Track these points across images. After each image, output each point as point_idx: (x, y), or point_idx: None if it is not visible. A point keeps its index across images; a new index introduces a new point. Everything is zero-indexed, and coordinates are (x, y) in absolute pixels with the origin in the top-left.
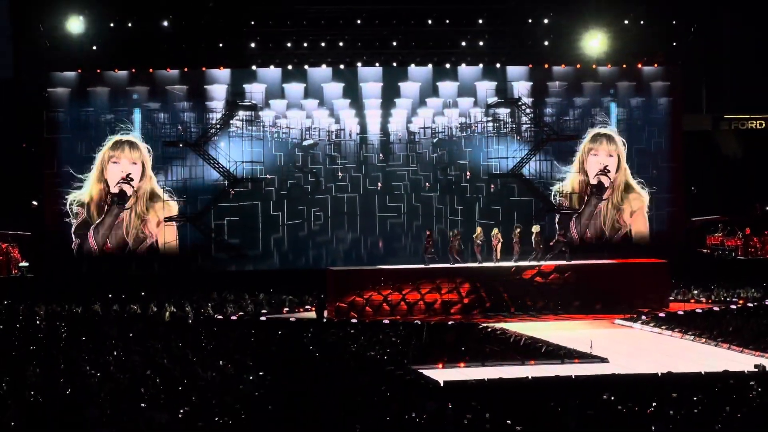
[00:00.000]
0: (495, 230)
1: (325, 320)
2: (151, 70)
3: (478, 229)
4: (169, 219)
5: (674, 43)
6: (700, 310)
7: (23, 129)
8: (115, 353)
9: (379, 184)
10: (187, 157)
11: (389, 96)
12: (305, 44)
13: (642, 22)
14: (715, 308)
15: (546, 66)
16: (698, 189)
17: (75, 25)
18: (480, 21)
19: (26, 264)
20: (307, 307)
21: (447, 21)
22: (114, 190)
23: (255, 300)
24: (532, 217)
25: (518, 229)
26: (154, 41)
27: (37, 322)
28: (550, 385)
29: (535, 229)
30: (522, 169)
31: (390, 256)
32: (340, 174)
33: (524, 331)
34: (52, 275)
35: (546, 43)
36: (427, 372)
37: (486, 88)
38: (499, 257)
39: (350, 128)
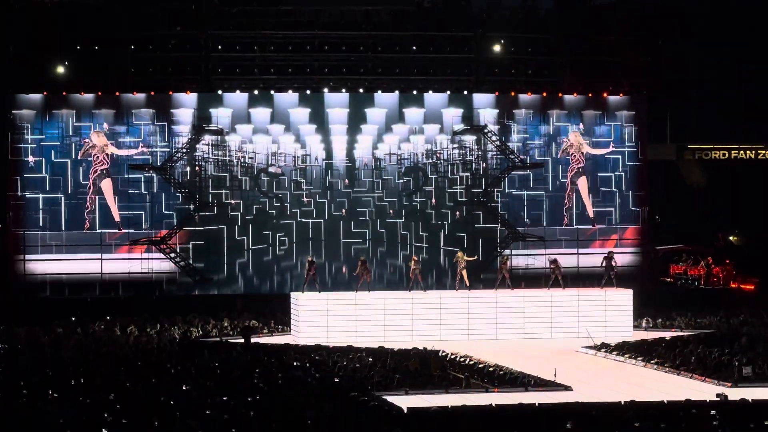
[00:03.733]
0: (459, 253)
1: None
2: (117, 93)
3: (414, 258)
4: (134, 242)
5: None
6: (663, 339)
7: None
8: (77, 377)
9: (344, 210)
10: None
11: (355, 122)
12: (272, 69)
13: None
14: (678, 337)
15: (512, 94)
16: (662, 218)
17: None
18: (448, 48)
19: None
20: (273, 331)
21: (414, 47)
22: None
23: (219, 324)
24: (496, 244)
25: (507, 260)
26: (120, 64)
27: None
28: (514, 413)
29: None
30: (488, 196)
31: (354, 282)
32: (305, 199)
33: (488, 358)
34: (14, 298)
35: (513, 71)
36: (390, 398)
37: (452, 115)
38: (468, 283)
39: (316, 154)
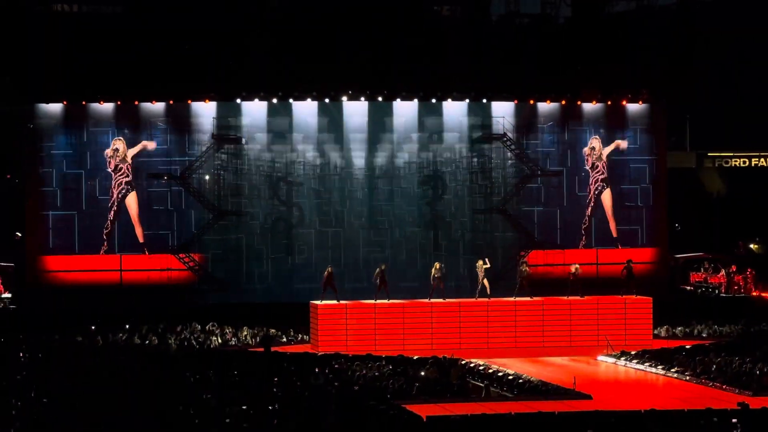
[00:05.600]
0: (480, 262)
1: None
2: (136, 103)
3: (436, 264)
4: (154, 252)
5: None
6: (684, 347)
7: (7, 161)
8: (96, 385)
9: (364, 219)
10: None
11: (374, 131)
12: (290, 78)
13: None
14: (698, 345)
15: (531, 102)
16: (682, 226)
17: None
18: (466, 57)
19: (9, 295)
20: (292, 340)
21: (432, 56)
22: None
23: (238, 333)
24: (515, 252)
25: (526, 267)
26: (139, 74)
27: (20, 355)
28: (534, 421)
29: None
30: (506, 204)
31: (374, 290)
32: (324, 208)
33: (507, 366)
34: (35, 307)
35: (533, 78)
36: (410, 407)
37: (471, 123)
38: (489, 291)
39: (335, 163)
